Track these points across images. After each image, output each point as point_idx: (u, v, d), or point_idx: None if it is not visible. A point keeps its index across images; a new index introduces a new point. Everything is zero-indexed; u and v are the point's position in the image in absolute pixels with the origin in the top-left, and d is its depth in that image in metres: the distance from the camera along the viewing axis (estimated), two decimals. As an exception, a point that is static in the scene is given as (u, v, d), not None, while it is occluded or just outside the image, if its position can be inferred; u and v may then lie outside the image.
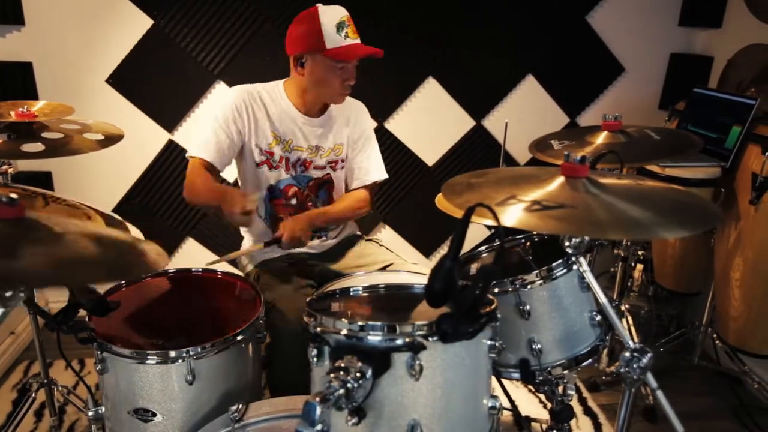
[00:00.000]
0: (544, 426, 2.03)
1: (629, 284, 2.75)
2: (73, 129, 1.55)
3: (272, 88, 1.81)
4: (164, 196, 2.71)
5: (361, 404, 0.90)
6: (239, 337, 1.36)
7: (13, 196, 0.86)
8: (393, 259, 1.88)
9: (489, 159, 2.91)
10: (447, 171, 2.90)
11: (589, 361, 1.28)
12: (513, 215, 0.93)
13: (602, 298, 1.01)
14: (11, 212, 0.85)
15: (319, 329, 0.96)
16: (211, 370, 1.33)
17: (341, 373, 0.86)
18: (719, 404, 2.31)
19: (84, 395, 2.07)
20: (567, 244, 1.04)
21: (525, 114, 2.83)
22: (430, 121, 2.81)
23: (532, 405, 2.28)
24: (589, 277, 1.05)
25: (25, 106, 1.54)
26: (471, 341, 0.95)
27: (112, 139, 1.56)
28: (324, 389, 0.83)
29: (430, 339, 0.90)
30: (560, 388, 1.33)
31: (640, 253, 2.59)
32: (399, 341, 0.90)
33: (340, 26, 1.63)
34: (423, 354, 0.90)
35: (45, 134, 1.49)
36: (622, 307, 2.44)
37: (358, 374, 0.87)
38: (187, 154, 1.74)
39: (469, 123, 2.85)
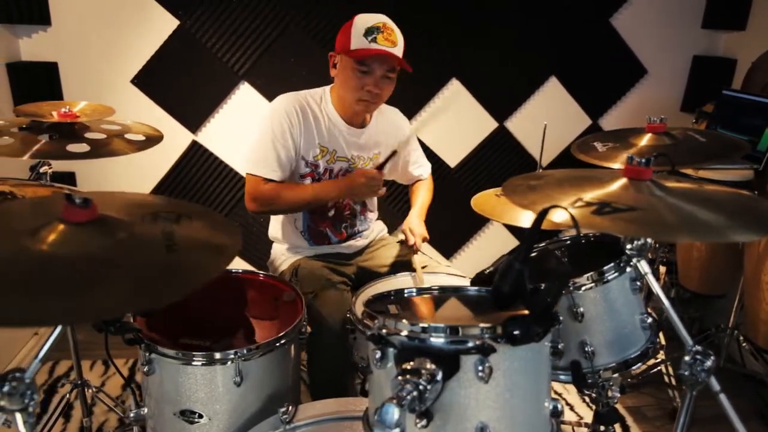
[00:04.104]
0: (576, 428, 2.03)
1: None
2: (114, 130, 1.55)
3: (319, 94, 1.80)
4: (188, 197, 2.70)
5: (429, 407, 0.90)
6: (284, 340, 1.36)
7: (87, 197, 0.85)
8: (426, 261, 1.88)
9: (512, 160, 2.91)
10: (469, 172, 2.89)
11: (639, 364, 1.28)
12: (583, 217, 0.93)
13: (665, 301, 1.01)
14: (85, 214, 0.84)
15: (384, 331, 0.96)
16: (258, 371, 1.33)
17: (411, 375, 0.86)
18: (744, 406, 2.31)
19: (113, 394, 2.08)
20: (629, 246, 1.03)
21: (548, 116, 2.82)
22: (453, 122, 2.81)
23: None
24: (651, 280, 1.05)
25: (67, 107, 1.54)
26: (536, 343, 0.94)
27: (152, 140, 1.55)
28: (397, 392, 0.82)
29: (499, 341, 0.90)
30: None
31: (663, 255, 2.58)
32: (470, 344, 0.89)
33: (370, 30, 1.62)
34: (492, 356, 0.89)
35: (87, 135, 1.49)
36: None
37: (429, 376, 0.87)
38: (245, 171, 1.73)
39: (492, 124, 2.85)
